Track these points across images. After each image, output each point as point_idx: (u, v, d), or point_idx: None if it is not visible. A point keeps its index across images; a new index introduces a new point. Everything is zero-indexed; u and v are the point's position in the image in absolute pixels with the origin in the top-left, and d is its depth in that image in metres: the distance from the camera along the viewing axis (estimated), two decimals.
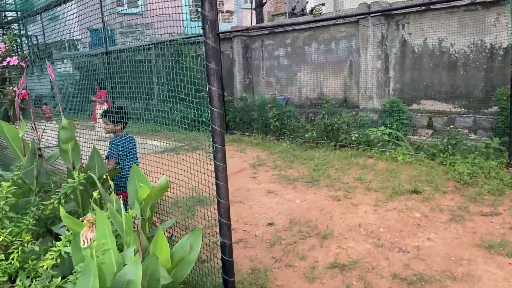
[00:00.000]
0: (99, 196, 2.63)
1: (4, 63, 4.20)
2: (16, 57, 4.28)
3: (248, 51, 11.06)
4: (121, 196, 3.08)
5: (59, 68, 20.50)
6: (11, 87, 4.24)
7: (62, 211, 1.94)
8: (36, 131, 3.19)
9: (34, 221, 2.56)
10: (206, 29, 2.15)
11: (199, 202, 5.00)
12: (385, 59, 8.24)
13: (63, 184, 2.57)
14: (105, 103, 10.58)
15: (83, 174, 2.62)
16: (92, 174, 2.58)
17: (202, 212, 4.71)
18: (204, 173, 6.08)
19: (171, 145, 8.77)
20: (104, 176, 2.89)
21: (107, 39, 21.41)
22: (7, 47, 4.33)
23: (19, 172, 2.99)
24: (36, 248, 2.30)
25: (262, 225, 4.37)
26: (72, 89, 17.77)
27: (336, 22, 8.87)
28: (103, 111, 3.97)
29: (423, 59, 7.72)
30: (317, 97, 9.58)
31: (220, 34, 10.84)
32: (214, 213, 4.69)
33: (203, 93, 8.21)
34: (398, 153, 6.60)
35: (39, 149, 3.37)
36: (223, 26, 16.27)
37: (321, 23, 9.12)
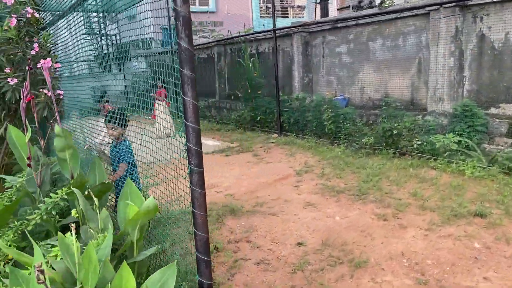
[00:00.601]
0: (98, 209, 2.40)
1: (38, 66, 4.20)
2: (50, 59, 4.26)
3: (308, 48, 10.51)
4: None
5: (133, 66, 21.50)
6: (42, 89, 4.23)
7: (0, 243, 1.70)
8: (42, 138, 3.07)
9: (18, 236, 2.41)
10: (179, 27, 1.78)
11: (231, 211, 4.67)
12: (459, 56, 7.24)
13: (46, 199, 2.38)
14: (164, 102, 10.71)
15: (66, 188, 2.39)
16: (75, 190, 2.35)
17: (231, 225, 4.39)
18: (243, 179, 5.76)
19: (223, 146, 8.59)
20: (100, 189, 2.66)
21: (172, 37, 21.79)
22: (41, 48, 4.34)
23: (22, 179, 2.89)
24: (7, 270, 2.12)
25: (290, 244, 3.92)
26: (143, 87, 18.53)
27: (404, 15, 8.01)
28: (107, 116, 3.76)
29: (505, 56, 6.63)
30: (381, 98, 8.77)
31: (279, 31, 10.43)
32: (244, 226, 4.35)
33: (259, 92, 7.86)
34: (467, 165, 5.71)
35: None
36: (285, 22, 15.83)
37: (386, 16, 8.31)
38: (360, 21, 9.01)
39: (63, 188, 2.44)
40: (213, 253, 3.74)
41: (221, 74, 14.23)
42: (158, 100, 10.57)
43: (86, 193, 2.35)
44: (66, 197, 2.42)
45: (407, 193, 5.08)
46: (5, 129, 3.36)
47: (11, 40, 4.34)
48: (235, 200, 5.21)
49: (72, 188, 2.39)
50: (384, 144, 7.00)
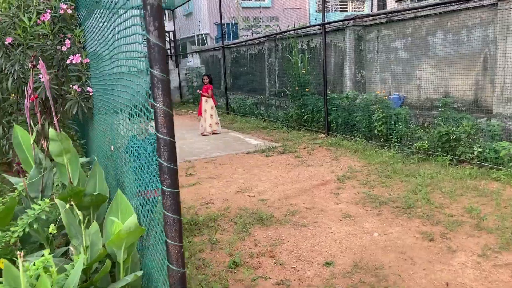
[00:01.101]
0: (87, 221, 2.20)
1: (68, 61, 4.14)
2: (79, 54, 4.19)
3: (361, 43, 9.86)
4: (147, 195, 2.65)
5: (188, 62, 21.80)
6: (72, 85, 4.16)
7: None
8: (46, 140, 2.94)
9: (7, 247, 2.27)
10: (146, 18, 1.48)
11: (260, 220, 4.35)
12: None
13: (28, 211, 2.20)
14: (211, 98, 10.56)
15: (48, 200, 2.20)
16: (58, 201, 2.15)
17: (257, 235, 4.07)
18: (279, 183, 5.43)
19: (265, 145, 8.28)
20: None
21: (226, 34, 21.72)
22: (71, 44, 4.27)
23: (22, 183, 2.78)
24: None
25: (318, 263, 3.52)
26: (196, 83, 18.66)
27: (468, 6, 7.17)
28: None
29: None
30: (440, 98, 7.97)
31: (330, 25, 9.89)
32: (271, 238, 4.01)
33: (307, 90, 7.44)
34: None
35: None
36: (338, 16, 15.08)
37: (448, 8, 7.50)
38: (419, 13, 8.24)
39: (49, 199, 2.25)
40: (231, 268, 3.45)
41: (271, 70, 13.91)
42: (204, 96, 10.44)
43: (68, 206, 2.14)
44: (47, 210, 2.23)
45: (461, 209, 4.46)
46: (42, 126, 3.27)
47: (44, 35, 4.32)
48: (266, 206, 4.88)
49: (55, 199, 2.20)
50: (439, 149, 6.30)
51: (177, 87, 19.54)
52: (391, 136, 7.22)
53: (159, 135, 1.54)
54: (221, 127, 11.48)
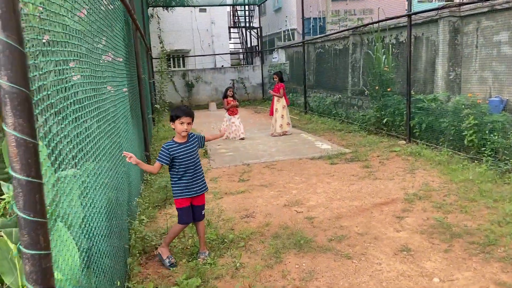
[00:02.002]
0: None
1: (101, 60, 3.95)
2: (111, 52, 3.98)
3: (457, 37, 8.49)
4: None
5: (273, 58, 21.52)
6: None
7: None
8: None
9: None
10: None
11: (297, 244, 3.75)
12: None
13: None
14: (283, 97, 10.02)
15: None
16: None
17: (289, 264, 3.45)
18: (336, 198, 4.75)
19: (334, 151, 7.52)
20: None
21: (313, 28, 20.89)
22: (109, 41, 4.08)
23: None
24: None
25: None
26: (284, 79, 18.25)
27: None
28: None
29: None
30: None
31: (420, 16, 8.68)
32: (304, 270, 3.38)
33: (389, 89, 6.56)
34: None
35: None
36: (435, 5, 13.37)
37: None
38: None
39: None
40: None
41: (354, 67, 12.88)
42: (276, 95, 9.92)
43: None
44: None
45: None
46: None
47: (81, 32, 4.20)
48: (311, 226, 4.24)
49: None
50: None
51: (260, 84, 19.35)
52: (484, 148, 5.98)
53: (16, 175, 1.07)
54: (293, 127, 10.91)
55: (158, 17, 18.69)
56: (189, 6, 17.83)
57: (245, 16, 23.84)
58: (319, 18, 20.81)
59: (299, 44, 15.77)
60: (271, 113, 10.20)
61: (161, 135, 10.31)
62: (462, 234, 3.84)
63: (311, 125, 10.99)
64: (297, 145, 8.49)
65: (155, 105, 8.74)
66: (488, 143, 5.91)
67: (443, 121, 6.93)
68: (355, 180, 5.77)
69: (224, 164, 7.15)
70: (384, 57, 9.36)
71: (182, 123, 3.36)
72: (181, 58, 20.36)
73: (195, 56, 19.72)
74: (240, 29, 24.33)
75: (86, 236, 2.06)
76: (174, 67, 20.20)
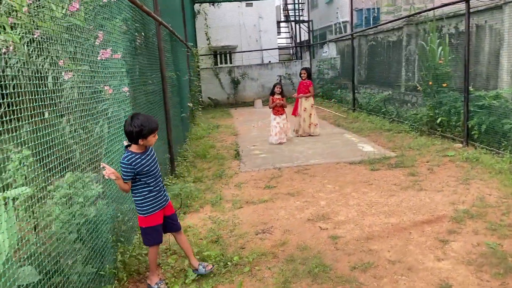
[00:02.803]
0: None
1: (98, 58, 3.61)
2: (110, 49, 3.61)
3: None
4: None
5: (324, 52, 20.66)
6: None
7: None
8: None
9: None
10: None
11: (311, 272, 3.19)
12: None
13: None
14: (312, 96, 9.22)
15: None
16: None
17: None
18: (369, 213, 4.15)
19: (377, 154, 6.75)
20: None
21: (366, 20, 19.61)
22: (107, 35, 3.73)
23: None
24: None
25: None
26: (326, 75, 17.36)
27: None
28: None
29: None
30: None
31: (481, 1, 7.60)
32: None
33: (444, 85, 5.73)
34: None
35: None
36: None
37: None
38: None
39: None
40: None
41: (409, 60, 11.80)
42: (302, 94, 9.18)
43: None
44: None
45: None
46: None
47: (75, 26, 3.85)
48: (334, 249, 3.62)
49: None
50: None
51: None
52: None
53: None
54: (338, 126, 10.18)
55: (205, 13, 18.56)
56: (236, 0, 17.47)
57: (294, 10, 23.12)
58: (373, 9, 19.58)
59: (348, 37, 14.85)
60: (294, 113, 9.49)
61: (199, 134, 10.02)
62: None
63: (357, 124, 10.17)
64: (337, 147, 7.78)
65: (189, 104, 8.39)
66: None
67: (506, 122, 5.92)
68: (396, 191, 5.02)
69: (254, 168, 6.65)
70: (440, 48, 8.35)
71: (155, 135, 2.91)
72: (228, 54, 20.10)
73: (242, 52, 19.37)
74: (290, 23, 23.64)
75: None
76: (221, 63, 19.99)
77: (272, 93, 8.59)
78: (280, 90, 8.53)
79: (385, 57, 13.62)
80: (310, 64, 18.56)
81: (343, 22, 20.95)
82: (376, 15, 19.58)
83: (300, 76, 9.27)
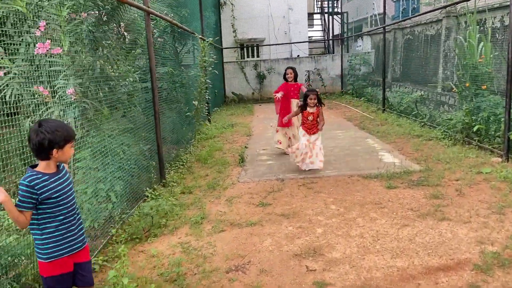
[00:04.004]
0: None
1: (35, 51, 2.98)
2: (49, 41, 2.97)
3: None
4: None
5: (358, 46, 19.47)
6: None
7: None
8: None
9: None
10: None
11: None
12: None
13: None
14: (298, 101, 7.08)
15: None
16: None
17: None
18: (372, 251, 3.35)
19: (398, 167, 5.83)
20: None
21: (405, 11, 18.23)
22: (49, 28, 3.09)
23: None
24: None
25: None
26: (358, 71, 16.21)
27: None
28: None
29: None
30: None
31: None
32: None
33: (484, 87, 4.70)
34: None
35: None
36: None
37: None
38: None
39: None
40: None
41: (448, 57, 10.58)
42: (294, 99, 7.15)
43: None
44: None
45: None
46: None
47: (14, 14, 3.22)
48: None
49: None
50: None
51: (339, 75, 17.50)
52: None
53: None
54: (362, 129, 9.25)
55: (231, 3, 17.84)
56: None
57: (328, 1, 21.95)
58: (413, 0, 18.15)
59: (380, 30, 13.70)
60: (286, 124, 6.93)
61: (210, 133, 9.38)
62: None
63: (383, 128, 9.17)
64: (355, 155, 6.88)
65: (193, 102, 7.74)
66: None
67: None
68: (412, 219, 4.13)
69: (254, 178, 5.91)
70: (481, 45, 7.22)
71: (72, 146, 2.23)
72: (255, 48, 19.31)
73: (269, 45, 18.53)
74: (323, 15, 22.49)
75: None
76: (248, 57, 19.25)
77: (305, 106, 5.99)
78: (316, 99, 5.93)
79: (422, 52, 12.41)
80: (341, 59, 17.45)
81: (379, 14, 19.61)
82: (415, 6, 18.16)
83: (285, 78, 7.23)
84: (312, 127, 6.02)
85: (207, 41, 8.06)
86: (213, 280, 3.18)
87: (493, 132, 6.29)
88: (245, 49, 19.16)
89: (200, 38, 8.11)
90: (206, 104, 9.47)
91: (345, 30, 22.23)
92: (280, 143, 7.25)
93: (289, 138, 7.24)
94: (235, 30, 18.20)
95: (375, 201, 4.71)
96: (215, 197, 5.15)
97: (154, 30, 6.60)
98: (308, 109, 5.98)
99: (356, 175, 5.77)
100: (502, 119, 5.94)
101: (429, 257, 3.36)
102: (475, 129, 6.62)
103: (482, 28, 8.11)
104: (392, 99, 11.52)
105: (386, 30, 13.87)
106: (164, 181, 5.48)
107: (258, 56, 19.23)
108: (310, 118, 5.98)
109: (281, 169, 6.33)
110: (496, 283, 2.92)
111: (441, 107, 9.84)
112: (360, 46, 19.50)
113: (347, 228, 4.01)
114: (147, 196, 4.87)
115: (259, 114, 13.25)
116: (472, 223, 3.92)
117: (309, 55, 19.94)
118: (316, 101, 5.94)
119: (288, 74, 7.24)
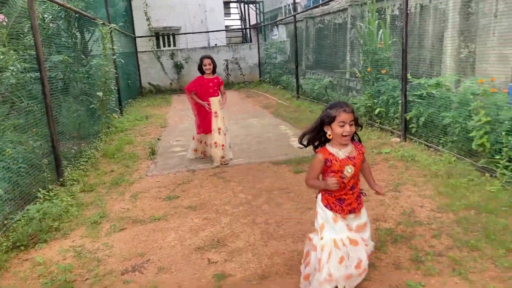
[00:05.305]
0: None
1: None
2: None
3: (472, 4, 6.65)
4: None
5: (273, 36, 19.67)
6: None
7: None
8: None
9: None
10: None
11: None
12: None
13: None
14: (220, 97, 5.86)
15: None
16: None
17: None
18: (278, 234, 3.23)
19: (309, 150, 5.91)
20: None
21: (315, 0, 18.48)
22: None
23: None
24: None
25: None
26: (281, 58, 16.41)
27: None
28: None
29: None
30: None
31: None
32: None
33: (383, 72, 4.72)
34: None
35: None
36: None
37: None
38: None
39: None
40: None
41: (354, 44, 11.06)
42: (215, 96, 5.75)
43: None
44: None
45: None
46: None
47: None
48: None
49: None
50: None
51: (257, 64, 17.60)
52: (499, 156, 4.31)
53: None
54: (276, 116, 9.35)
55: None
56: None
57: None
58: None
59: (291, 18, 13.91)
60: (204, 131, 5.91)
61: (121, 126, 8.86)
62: None
63: (296, 114, 9.36)
64: (267, 142, 6.92)
65: (98, 93, 7.22)
66: (505, 149, 4.23)
67: (446, 115, 5.23)
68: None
69: (163, 171, 5.67)
70: (380, 31, 7.60)
71: None
72: (171, 36, 18.71)
73: (186, 33, 18.05)
74: (240, 4, 22.45)
75: None
76: (164, 46, 18.60)
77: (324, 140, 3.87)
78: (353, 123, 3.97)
79: (332, 40, 12.85)
80: (258, 48, 17.56)
81: (293, 3, 20.02)
82: None
83: (201, 69, 5.71)
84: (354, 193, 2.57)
85: (110, 28, 7.54)
86: (105, 285, 2.93)
87: (392, 114, 6.67)
88: (160, 38, 18.48)
89: (102, 24, 7.54)
90: (116, 95, 8.93)
91: (262, 19, 22.41)
92: (195, 151, 6.13)
93: (205, 142, 5.98)
94: (148, 18, 17.44)
95: (282, 186, 4.73)
96: (119, 193, 4.83)
97: (46, 15, 6.01)
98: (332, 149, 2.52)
99: (267, 162, 5.78)
100: (400, 101, 6.30)
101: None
102: (376, 112, 6.98)
103: (383, 15, 8.55)
104: (305, 86, 11.82)
105: (298, 19, 14.17)
106: (61, 179, 5.02)
107: (174, 45, 18.67)
108: (349, 170, 2.48)
109: (193, 160, 6.15)
110: (388, 259, 3.03)
111: (349, 92, 10.28)
112: (276, 35, 19.76)
113: (253, 216, 3.96)
114: (40, 198, 4.42)
115: (176, 105, 12.87)
116: (370, 201, 4.08)
117: (227, 44, 19.79)
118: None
119: (206, 65, 5.63)
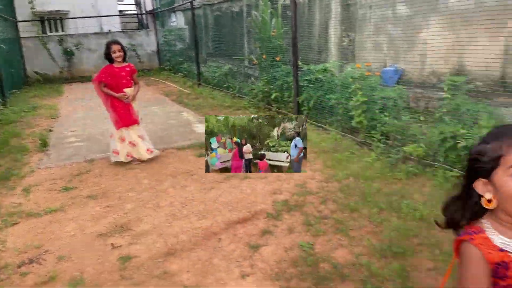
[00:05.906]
0: None
1: None
2: None
3: None
4: None
5: (172, 22, 19.30)
6: None
7: None
8: None
9: None
10: None
11: None
12: None
13: None
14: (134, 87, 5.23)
15: None
16: None
17: None
18: (183, 215, 3.29)
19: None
20: None
21: None
22: None
23: None
24: None
25: None
26: (174, 47, 16.21)
27: None
28: None
29: None
30: (452, 72, 5.60)
31: None
32: None
33: (277, 59, 4.95)
34: None
35: None
36: None
37: None
38: None
39: None
40: None
41: (250, 32, 11.45)
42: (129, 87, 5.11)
43: None
44: None
45: None
46: None
47: None
48: (119, 278, 2.78)
49: None
50: (441, 159, 4.05)
51: (155, 51, 17.18)
52: (374, 132, 4.95)
53: None
54: (179, 103, 9.34)
55: None
56: None
57: None
58: None
59: (188, 6, 13.83)
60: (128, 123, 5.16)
61: (6, 119, 8.09)
62: (332, 276, 2.65)
63: (198, 101, 9.46)
64: (170, 129, 6.93)
65: None
66: (378, 125, 4.88)
67: (331, 97, 5.81)
68: (219, 181, 4.41)
69: (58, 162, 5.39)
70: (273, 20, 8.02)
71: None
72: (58, 21, 17.31)
73: (75, 18, 16.83)
74: None
75: None
76: (51, 31, 17.14)
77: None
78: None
79: (230, 28, 13.11)
80: (156, 35, 17.13)
81: None
82: None
83: (109, 58, 4.95)
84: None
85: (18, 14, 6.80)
86: (0, 279, 2.80)
87: (286, 98, 7.15)
88: (46, 22, 16.98)
89: None
90: None
91: (158, 5, 21.79)
92: (118, 153, 5.14)
93: (130, 142, 5.17)
94: (31, 1, 15.89)
95: (186, 170, 4.85)
96: (8, 188, 4.51)
97: None
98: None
99: (171, 147, 5.83)
100: (292, 86, 6.78)
101: (230, 212, 3.66)
102: (273, 96, 7.41)
103: (275, 5, 8.99)
104: (206, 73, 11.93)
105: (196, 6, 14.14)
106: None
107: (63, 31, 17.31)
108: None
109: (91, 149, 5.93)
110: (283, 226, 3.37)
111: (249, 79, 10.67)
112: (174, 21, 19.41)
113: (158, 200, 4.03)
114: None
115: (68, 95, 12.06)
116: (268, 177, 4.41)
117: (122, 30, 18.92)
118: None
119: (115, 52, 4.89)
